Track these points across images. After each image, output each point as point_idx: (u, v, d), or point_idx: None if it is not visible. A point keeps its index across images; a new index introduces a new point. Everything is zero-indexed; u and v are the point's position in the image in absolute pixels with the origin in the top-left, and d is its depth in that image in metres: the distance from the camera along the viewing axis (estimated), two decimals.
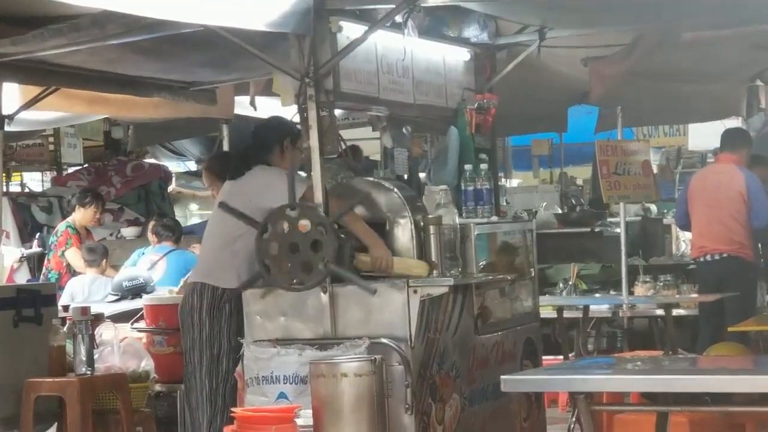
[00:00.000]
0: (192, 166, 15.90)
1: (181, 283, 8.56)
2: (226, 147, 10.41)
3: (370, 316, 6.13)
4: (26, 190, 15.25)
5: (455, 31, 7.77)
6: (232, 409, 5.92)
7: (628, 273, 10.31)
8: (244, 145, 7.24)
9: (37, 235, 11.90)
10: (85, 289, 9.82)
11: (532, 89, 9.22)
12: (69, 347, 7.07)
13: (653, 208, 13.12)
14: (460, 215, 6.89)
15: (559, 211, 13.68)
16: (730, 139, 9.99)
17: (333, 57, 6.45)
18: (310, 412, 5.72)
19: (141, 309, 8.20)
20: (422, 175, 8.25)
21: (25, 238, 12.10)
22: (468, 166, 7.20)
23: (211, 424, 6.68)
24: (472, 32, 7.88)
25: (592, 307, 9.95)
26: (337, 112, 7.22)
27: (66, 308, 8.18)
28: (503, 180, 15.41)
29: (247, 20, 5.95)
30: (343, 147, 7.45)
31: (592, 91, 9.19)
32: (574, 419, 8.02)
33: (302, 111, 6.36)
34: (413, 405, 6.00)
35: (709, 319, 9.59)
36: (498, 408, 6.78)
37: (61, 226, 10.76)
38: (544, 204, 13.91)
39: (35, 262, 11.47)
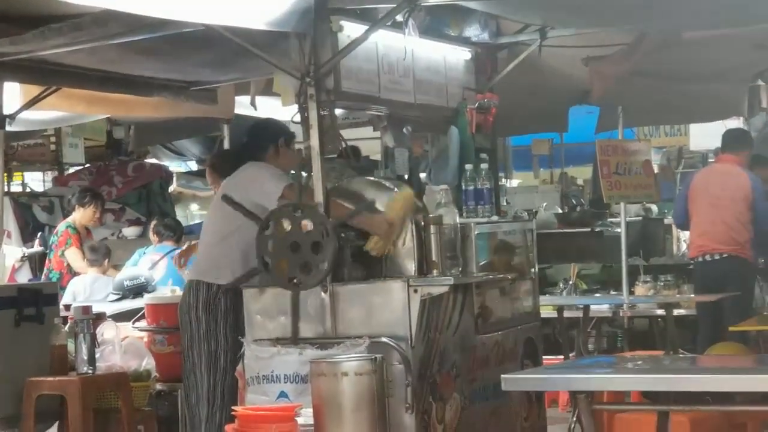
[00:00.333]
0: (193, 166, 15.91)
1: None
2: (227, 147, 10.41)
3: (370, 315, 6.14)
4: (28, 190, 15.25)
5: (456, 30, 7.78)
6: (233, 408, 5.93)
7: (628, 273, 10.32)
8: (240, 144, 7.31)
9: (39, 234, 11.91)
10: (86, 289, 9.84)
11: (533, 89, 9.21)
12: (70, 346, 7.09)
13: (654, 208, 13.12)
14: (461, 215, 6.89)
15: (560, 211, 13.68)
16: (731, 140, 10.00)
17: (334, 56, 6.46)
18: (310, 411, 5.72)
19: (142, 308, 8.21)
20: (423, 174, 8.24)
21: (26, 238, 12.12)
22: (468, 166, 7.20)
23: (210, 420, 6.69)
24: (473, 32, 7.89)
25: (592, 307, 9.97)
26: (338, 111, 7.24)
27: (67, 307, 8.20)
28: (504, 180, 15.41)
29: (248, 19, 5.96)
30: (344, 146, 7.44)
31: (592, 90, 9.19)
32: (574, 419, 8.01)
33: (303, 110, 6.37)
34: (414, 404, 6.00)
35: (709, 318, 9.59)
36: (498, 407, 6.77)
37: (61, 226, 10.77)
38: (545, 204, 13.92)
39: (36, 262, 11.48)
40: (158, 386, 7.70)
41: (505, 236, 7.31)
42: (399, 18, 6.73)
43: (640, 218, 12.89)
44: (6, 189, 11.23)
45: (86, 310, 7.16)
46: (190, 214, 15.97)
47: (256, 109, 9.19)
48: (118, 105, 8.98)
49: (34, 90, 8.23)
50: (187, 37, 6.63)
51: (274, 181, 6.58)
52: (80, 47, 6.71)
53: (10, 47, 6.72)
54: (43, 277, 10.78)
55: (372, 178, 6.76)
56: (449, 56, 7.71)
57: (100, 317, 7.65)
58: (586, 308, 9.73)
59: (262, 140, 6.95)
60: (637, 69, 8.99)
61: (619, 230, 10.78)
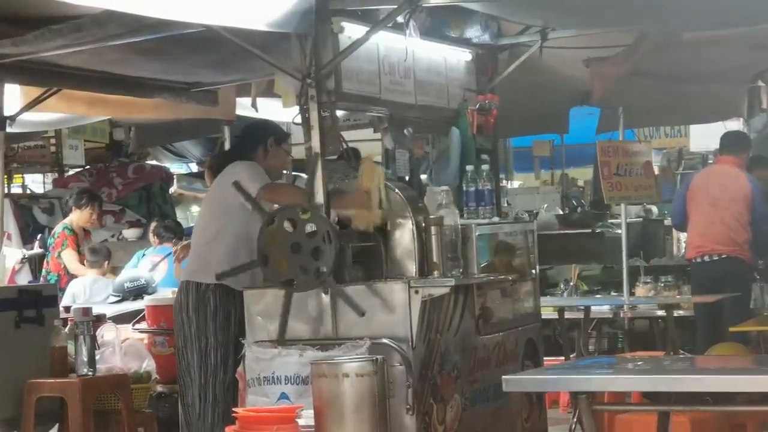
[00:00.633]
0: (193, 167, 15.91)
1: None
2: (227, 148, 10.41)
3: (371, 316, 6.13)
4: (28, 191, 15.24)
5: (457, 31, 7.78)
6: (234, 410, 5.93)
7: (629, 274, 10.32)
8: (231, 145, 7.35)
9: (39, 236, 11.90)
10: (86, 290, 9.83)
11: (534, 90, 9.22)
12: (70, 348, 7.07)
13: (654, 209, 13.12)
14: (462, 216, 6.90)
15: (561, 213, 13.69)
16: (730, 141, 9.99)
17: (335, 57, 6.46)
18: (311, 412, 5.72)
19: (142, 310, 8.21)
20: (424, 176, 8.24)
21: (26, 240, 12.11)
22: (469, 167, 7.21)
23: (202, 418, 6.68)
24: (474, 33, 7.89)
25: (593, 308, 9.96)
26: (339, 113, 7.24)
27: (67, 309, 8.18)
28: (504, 181, 15.42)
29: (249, 20, 5.96)
30: (344, 148, 7.44)
31: (593, 91, 9.19)
32: (575, 419, 8.00)
33: (303, 112, 6.37)
34: (414, 405, 6.00)
35: (706, 319, 9.59)
36: (499, 408, 6.78)
37: (58, 228, 10.75)
38: (546, 205, 13.93)
39: (36, 264, 11.47)
40: (158, 388, 7.70)
41: (506, 237, 7.32)
42: (400, 19, 6.73)
43: (641, 219, 12.90)
44: (6, 191, 11.24)
45: (86, 311, 7.15)
46: (191, 215, 15.94)
47: (257, 110, 9.18)
48: (119, 106, 8.97)
49: (35, 91, 8.23)
50: (187, 38, 6.63)
51: (251, 182, 6.61)
52: (81, 48, 6.71)
53: (10, 49, 6.71)
54: (41, 279, 10.76)
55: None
56: (450, 57, 7.71)
57: (100, 319, 7.64)
58: (587, 309, 9.72)
59: (252, 140, 6.97)
60: (637, 70, 8.99)
61: (619, 231, 10.79)
